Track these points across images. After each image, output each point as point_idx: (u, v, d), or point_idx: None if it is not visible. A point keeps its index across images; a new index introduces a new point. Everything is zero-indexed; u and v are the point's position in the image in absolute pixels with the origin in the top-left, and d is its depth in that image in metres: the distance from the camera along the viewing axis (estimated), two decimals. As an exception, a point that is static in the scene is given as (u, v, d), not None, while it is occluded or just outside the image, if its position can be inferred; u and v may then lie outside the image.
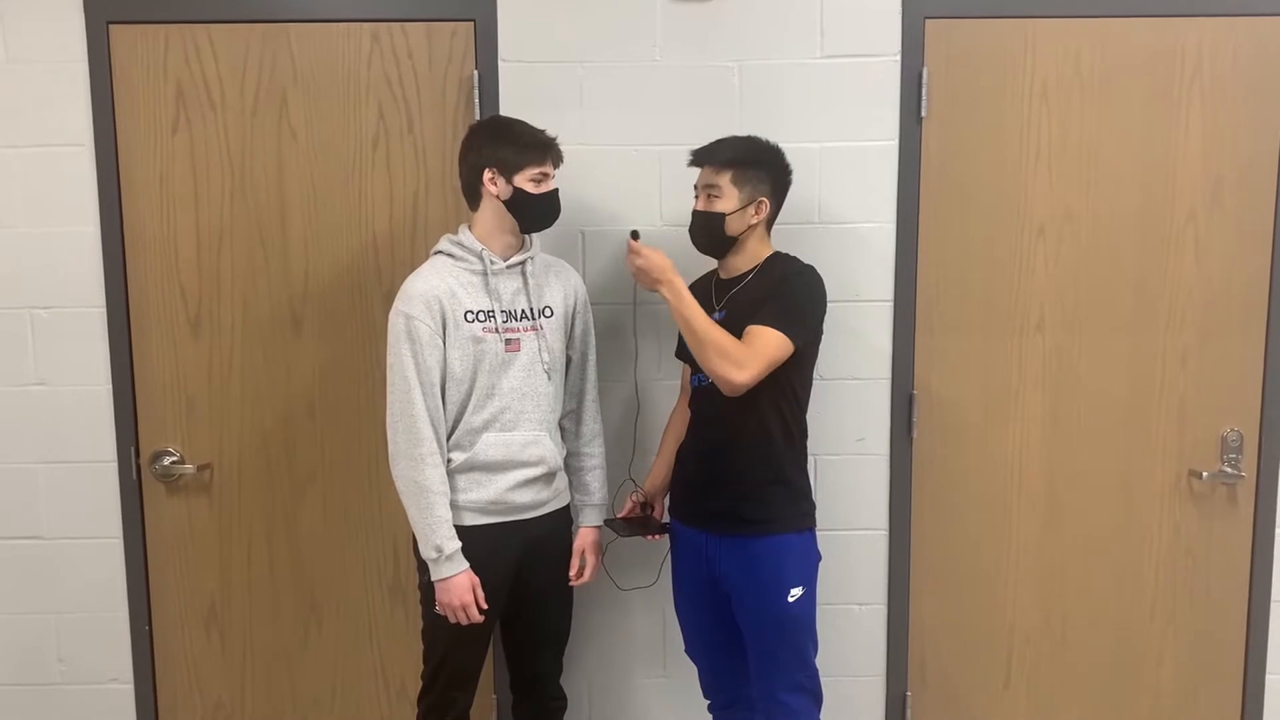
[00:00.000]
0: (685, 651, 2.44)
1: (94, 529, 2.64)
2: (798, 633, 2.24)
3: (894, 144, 2.52)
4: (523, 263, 2.24)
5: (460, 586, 2.15)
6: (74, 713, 2.71)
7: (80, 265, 2.56)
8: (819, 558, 2.30)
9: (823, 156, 2.50)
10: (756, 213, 2.23)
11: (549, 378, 2.25)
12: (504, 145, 2.19)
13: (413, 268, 2.25)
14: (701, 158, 2.27)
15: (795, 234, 2.42)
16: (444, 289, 2.17)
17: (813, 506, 2.30)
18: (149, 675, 2.71)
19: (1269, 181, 2.54)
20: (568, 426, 2.39)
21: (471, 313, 2.18)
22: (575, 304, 2.33)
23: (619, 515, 2.40)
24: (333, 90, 2.53)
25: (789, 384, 2.20)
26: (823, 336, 2.28)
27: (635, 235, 2.21)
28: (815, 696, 2.28)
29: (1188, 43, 2.51)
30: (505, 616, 2.32)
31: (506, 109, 2.49)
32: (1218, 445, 2.62)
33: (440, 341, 2.15)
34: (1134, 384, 2.61)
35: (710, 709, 2.46)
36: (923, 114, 2.51)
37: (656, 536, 2.38)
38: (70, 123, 2.52)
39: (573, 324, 2.33)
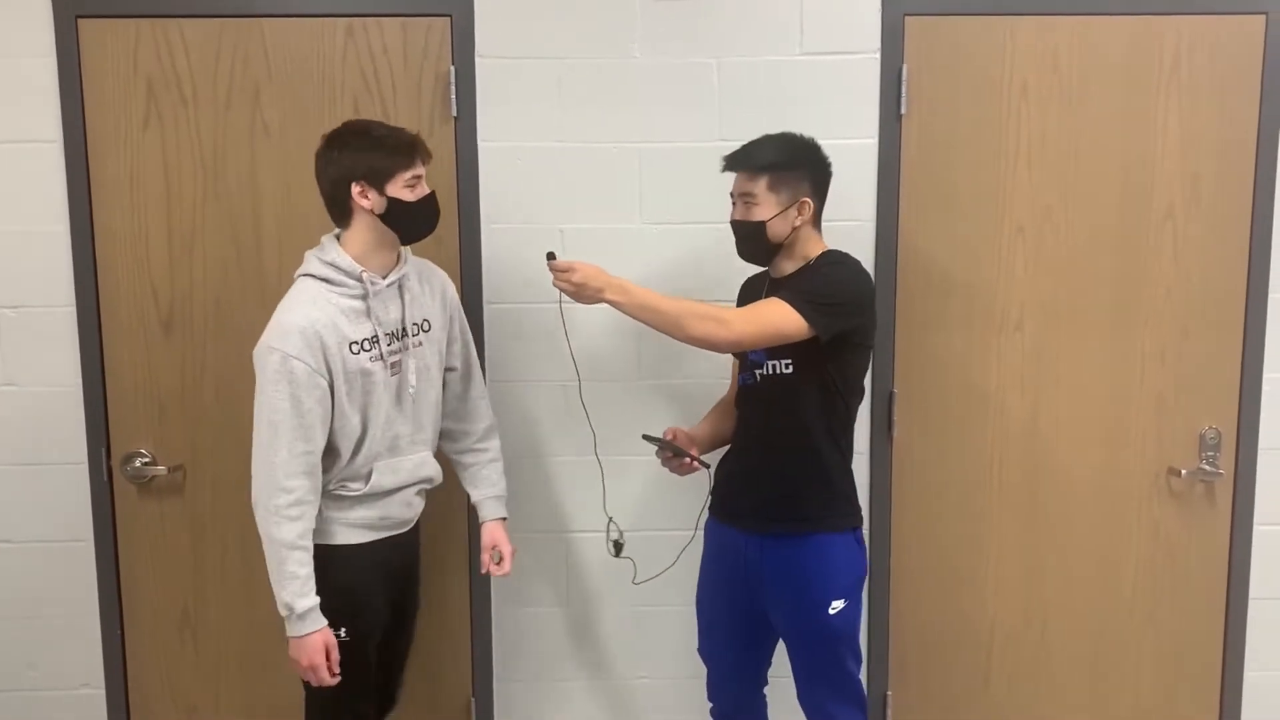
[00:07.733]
0: (697, 650, 2.38)
1: (65, 532, 2.60)
2: (837, 645, 2.16)
3: (874, 142, 2.51)
4: (400, 278, 2.11)
5: (313, 646, 2.02)
6: (46, 719, 2.66)
7: (49, 264, 2.51)
8: (865, 569, 2.23)
9: (802, 154, 2.48)
10: (799, 214, 2.11)
11: (427, 394, 2.18)
12: (368, 152, 2.01)
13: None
14: (734, 163, 2.12)
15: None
16: (324, 320, 2.00)
17: (857, 509, 2.21)
18: (121, 681, 2.67)
19: (1245, 179, 2.55)
20: (456, 427, 2.31)
21: (356, 344, 2.03)
22: (450, 307, 2.25)
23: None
24: (307, 86, 2.49)
25: (830, 380, 2.10)
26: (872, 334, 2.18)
27: (552, 256, 2.03)
28: (861, 705, 2.22)
29: (1165, 41, 2.51)
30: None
31: (483, 105, 2.47)
32: (1196, 443, 2.62)
33: (322, 380, 1.99)
34: (1113, 382, 2.61)
35: (712, 713, 2.40)
36: (902, 111, 2.50)
37: (695, 464, 2.19)
38: (39, 119, 2.47)
39: (451, 327, 2.25)
